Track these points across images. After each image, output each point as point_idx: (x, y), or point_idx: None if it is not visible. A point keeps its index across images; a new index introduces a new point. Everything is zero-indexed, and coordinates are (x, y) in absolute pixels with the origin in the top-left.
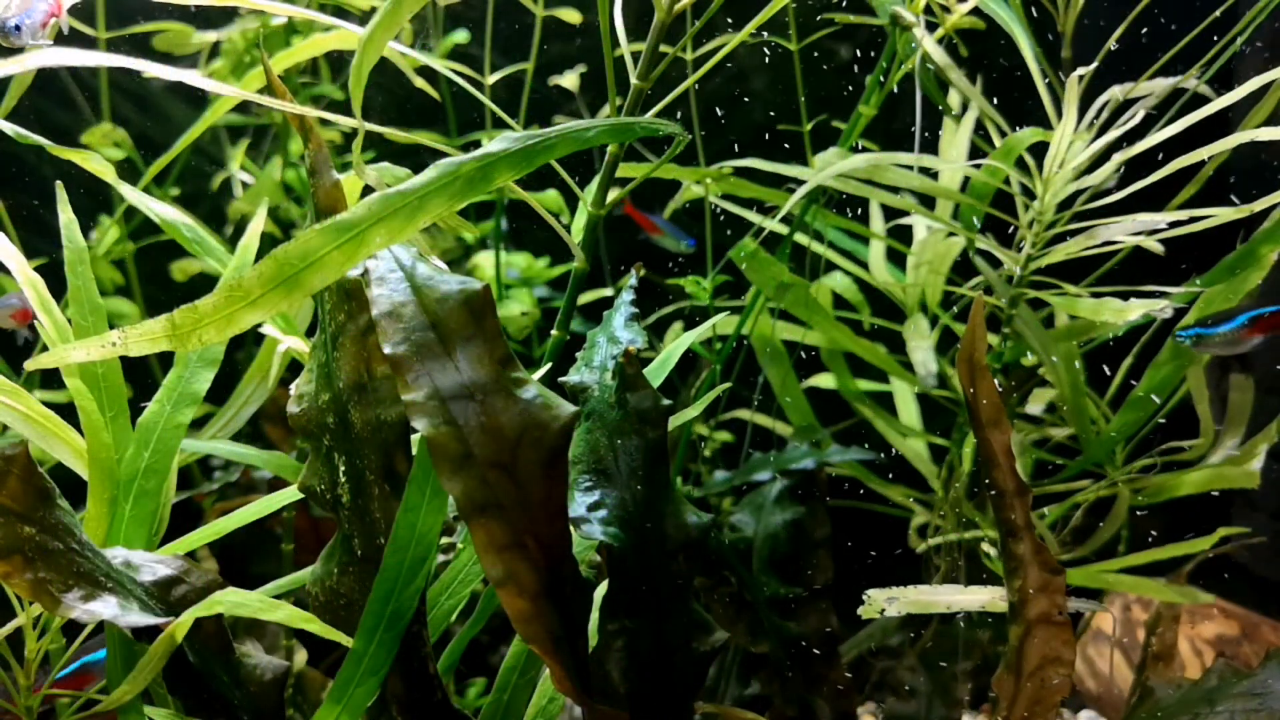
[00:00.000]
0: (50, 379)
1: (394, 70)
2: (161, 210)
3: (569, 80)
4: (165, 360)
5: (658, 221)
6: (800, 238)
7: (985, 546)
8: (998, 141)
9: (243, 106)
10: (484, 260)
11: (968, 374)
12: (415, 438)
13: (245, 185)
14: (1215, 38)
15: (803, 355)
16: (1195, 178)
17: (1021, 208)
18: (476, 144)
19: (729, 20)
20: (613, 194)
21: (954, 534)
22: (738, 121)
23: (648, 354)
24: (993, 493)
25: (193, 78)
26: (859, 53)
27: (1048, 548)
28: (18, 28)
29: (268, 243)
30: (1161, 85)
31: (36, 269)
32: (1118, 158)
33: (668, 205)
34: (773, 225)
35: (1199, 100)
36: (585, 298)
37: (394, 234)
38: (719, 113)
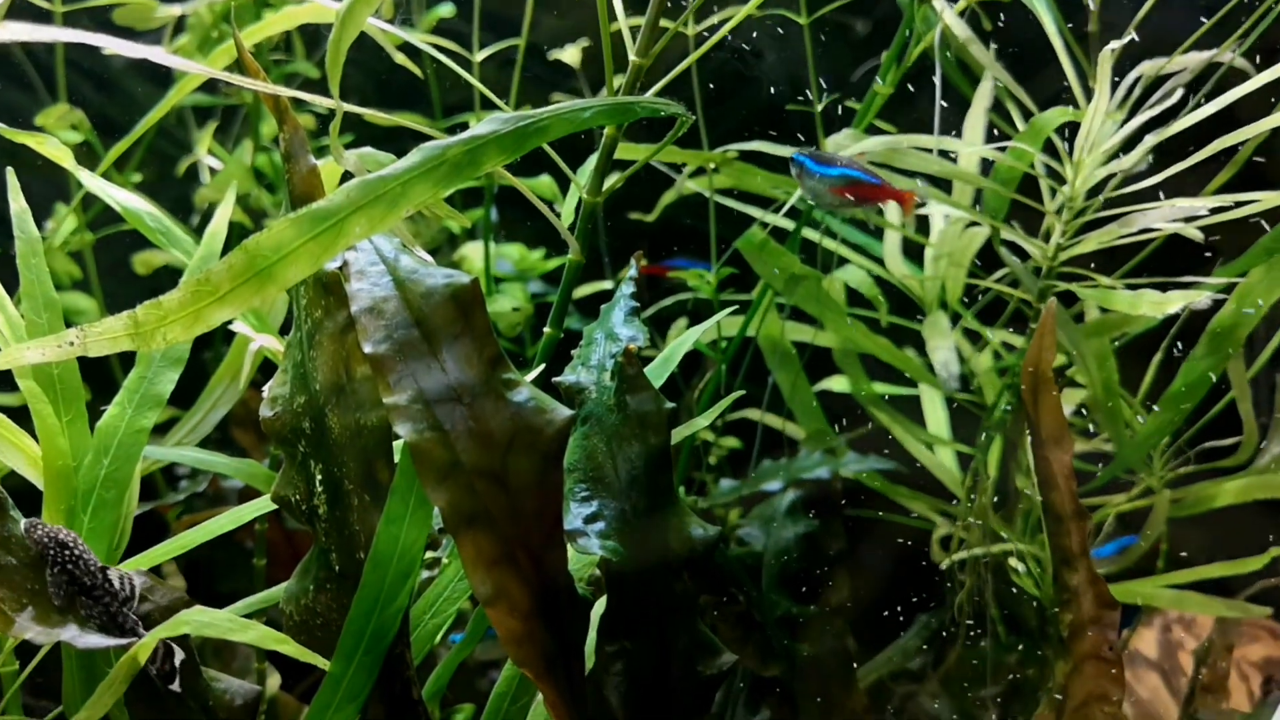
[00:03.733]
0: (2, 380)
1: (374, 47)
2: (122, 198)
3: (570, 54)
4: (126, 360)
5: (675, 264)
6: (810, 233)
7: (1013, 561)
8: (1021, 124)
9: (210, 86)
10: (472, 252)
11: (1031, 386)
12: (398, 444)
13: (213, 171)
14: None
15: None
16: (1233, 160)
17: (1048, 194)
18: (464, 126)
19: None
20: (611, 179)
21: (979, 547)
22: (744, 101)
23: (649, 352)
24: (1049, 516)
25: (157, 54)
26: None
27: (1102, 579)
28: None
29: (238, 233)
30: (1196, 59)
31: None
32: (1151, 139)
33: (664, 196)
34: (776, 220)
35: (1239, 75)
36: (581, 291)
37: (375, 223)
38: (723, 92)
